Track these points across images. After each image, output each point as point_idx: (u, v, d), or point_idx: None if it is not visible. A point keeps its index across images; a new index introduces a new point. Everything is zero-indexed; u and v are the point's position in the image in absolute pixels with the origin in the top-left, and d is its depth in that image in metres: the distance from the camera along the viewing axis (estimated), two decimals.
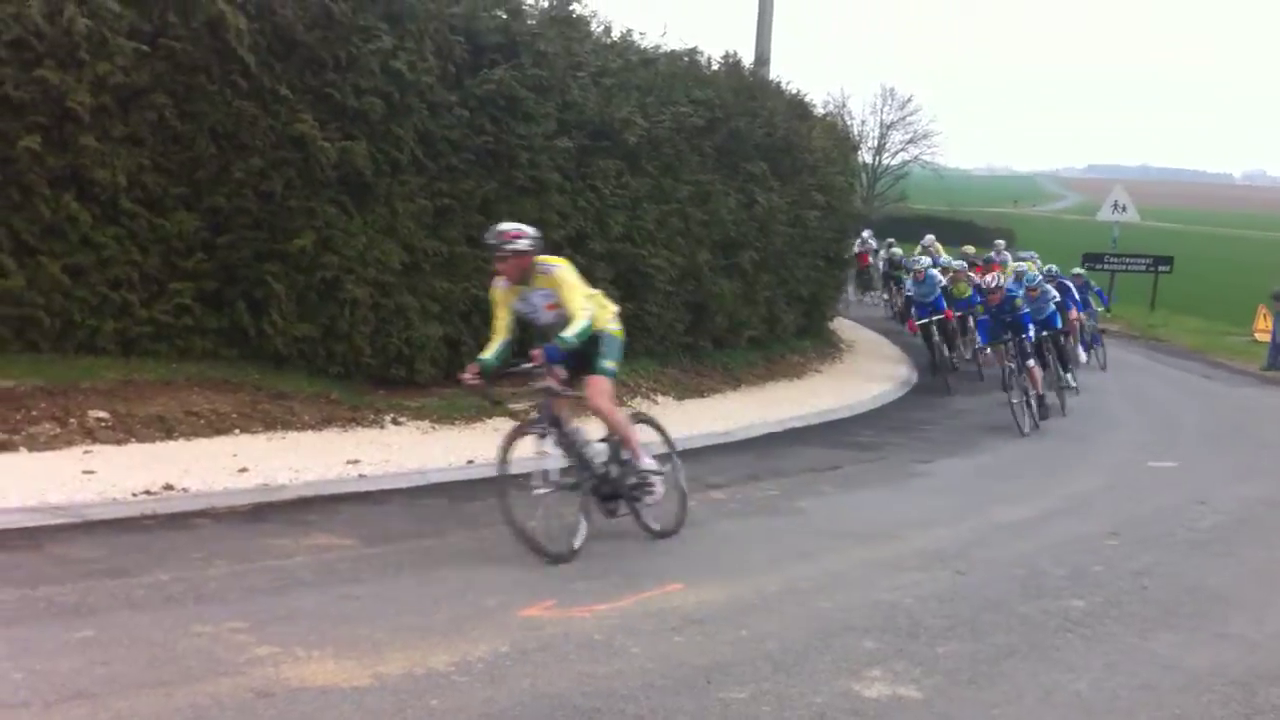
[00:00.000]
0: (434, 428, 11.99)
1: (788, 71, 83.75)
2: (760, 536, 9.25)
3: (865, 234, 31.22)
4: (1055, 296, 18.66)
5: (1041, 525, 10.28)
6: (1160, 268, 36.53)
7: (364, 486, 9.69)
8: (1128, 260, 36.32)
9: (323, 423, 11.38)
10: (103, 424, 9.83)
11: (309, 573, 7.32)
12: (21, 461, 9.01)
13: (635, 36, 16.79)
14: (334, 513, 8.81)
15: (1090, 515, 10.72)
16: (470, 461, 10.77)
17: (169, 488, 8.78)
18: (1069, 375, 18.81)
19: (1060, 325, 18.32)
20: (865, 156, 45.98)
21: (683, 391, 15.72)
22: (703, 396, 15.96)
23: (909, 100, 63.16)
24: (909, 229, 41.38)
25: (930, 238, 28.08)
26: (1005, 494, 11.74)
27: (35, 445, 9.35)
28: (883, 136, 60.36)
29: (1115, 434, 16.18)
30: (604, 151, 15.00)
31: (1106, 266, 34.80)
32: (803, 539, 9.27)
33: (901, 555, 8.84)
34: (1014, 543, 9.52)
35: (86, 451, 9.38)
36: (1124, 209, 36.19)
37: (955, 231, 48.05)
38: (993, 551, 9.15)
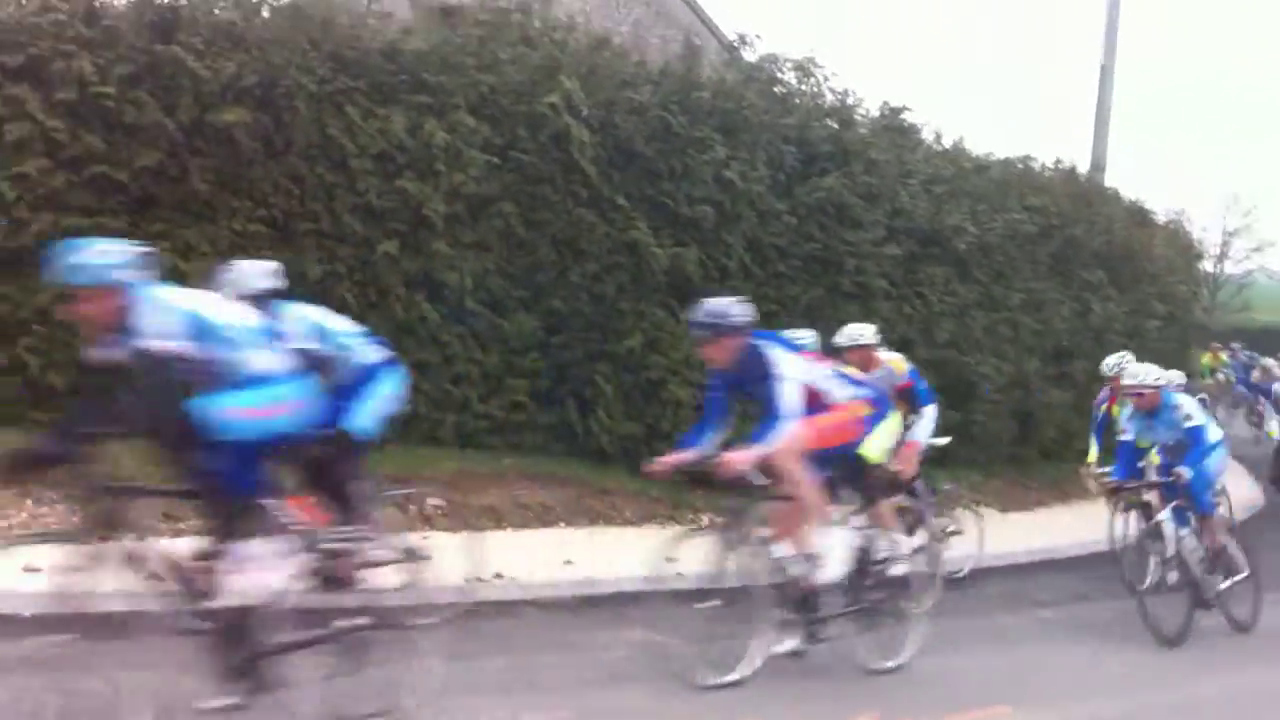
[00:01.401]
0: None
1: (1125, 178, 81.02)
2: (1093, 660, 8.85)
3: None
4: None
5: None
6: None
7: (678, 585, 9.80)
8: None
9: (643, 519, 11.66)
10: (439, 511, 10.38)
11: (629, 665, 7.49)
12: None
13: (968, 144, 16.70)
14: (650, 608, 8.95)
15: None
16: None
17: (499, 576, 9.16)
18: None
19: None
20: (1207, 265, 43.65)
21: (1007, 503, 15.27)
22: (1028, 510, 15.45)
23: (1254, 207, 59.83)
24: (1253, 341, 38.98)
25: None
26: None
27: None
28: (1225, 244, 57.35)
29: None
30: (933, 258, 14.92)
31: None
32: (1139, 665, 8.81)
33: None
34: None
35: (424, 537, 9.90)
36: None
37: None
38: None
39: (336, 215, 10.93)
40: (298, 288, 10.76)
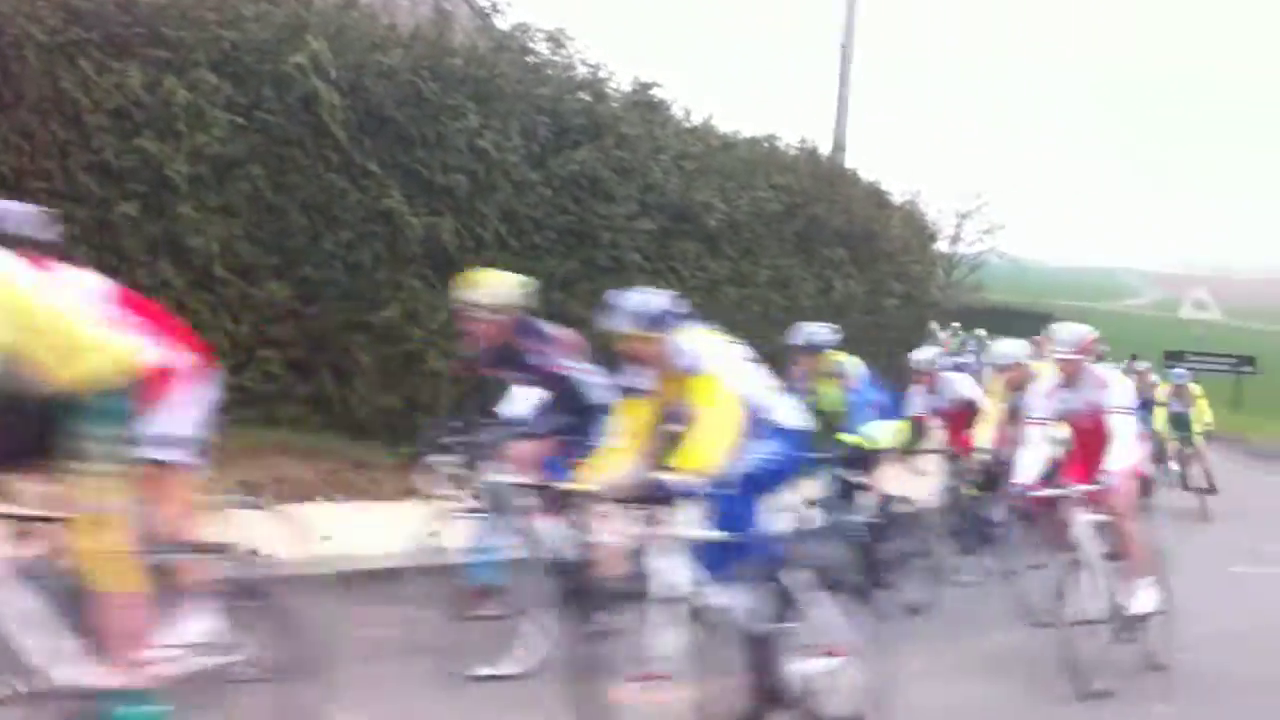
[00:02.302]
0: None
1: (865, 160, 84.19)
2: None
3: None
4: None
5: None
6: (1243, 368, 35.96)
7: (445, 560, 9.66)
8: (1210, 360, 35.77)
9: (404, 495, 11.44)
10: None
11: (388, 644, 7.32)
12: None
13: (716, 122, 17.00)
14: (416, 584, 8.79)
15: None
16: None
17: (254, 553, 8.83)
18: None
19: None
20: (942, 246, 45.74)
21: None
22: None
23: (985, 190, 63.17)
24: (986, 320, 40.99)
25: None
26: None
27: None
28: (958, 226, 60.27)
29: None
30: (684, 234, 15.14)
31: (1189, 365, 34.27)
32: None
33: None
34: None
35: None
36: (1206, 307, 35.76)
37: (1035, 325, 47.64)
38: None
39: (70, 174, 10.34)
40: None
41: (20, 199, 9.93)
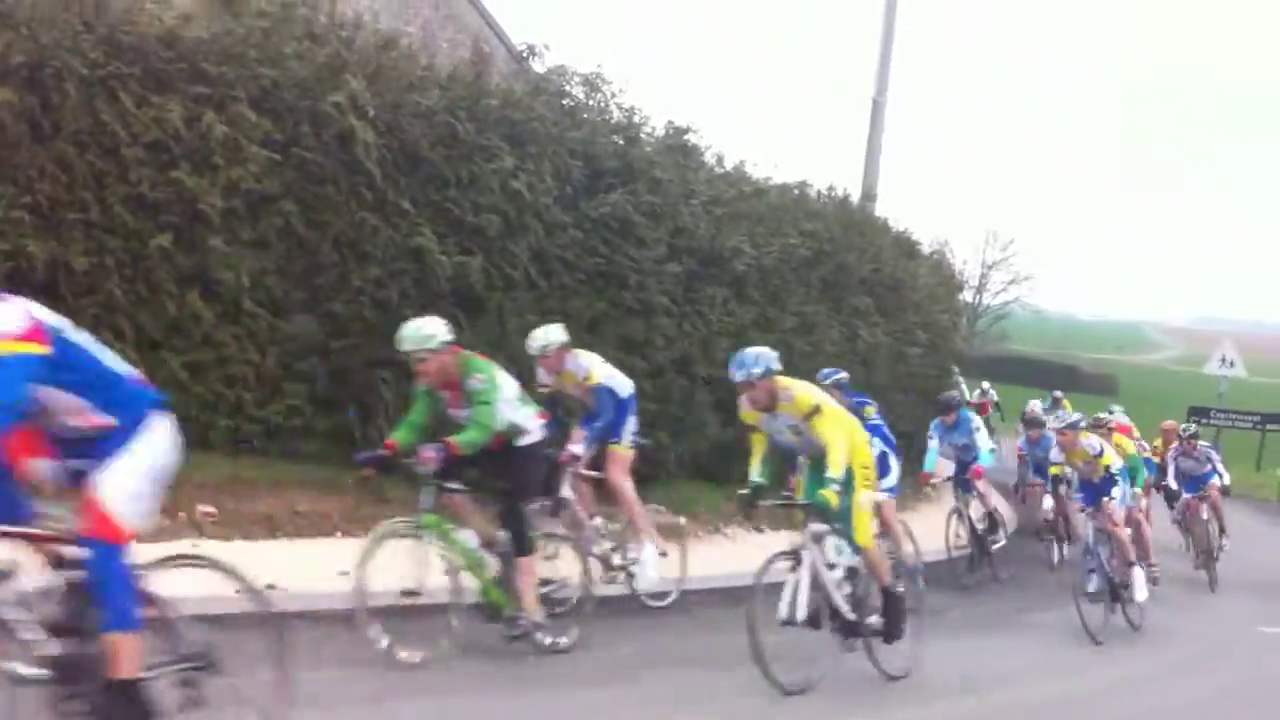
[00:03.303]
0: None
1: (894, 209, 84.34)
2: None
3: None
4: None
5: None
6: (1269, 426, 35.73)
7: (465, 599, 9.66)
8: (1234, 416, 35.55)
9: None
10: (210, 519, 9.98)
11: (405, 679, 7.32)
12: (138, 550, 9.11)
13: (748, 168, 17.05)
14: (433, 621, 8.80)
15: None
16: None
17: (271, 586, 8.84)
18: None
19: None
20: (966, 296, 45.69)
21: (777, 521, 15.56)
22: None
23: (1011, 242, 63.08)
24: (1009, 370, 40.85)
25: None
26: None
27: (142, 537, 9.48)
28: (984, 276, 60.21)
29: None
30: (712, 278, 15.17)
31: (1213, 421, 34.08)
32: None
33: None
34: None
35: (194, 545, 9.51)
36: (1232, 364, 35.47)
37: (1058, 377, 47.50)
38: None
39: (106, 205, 10.44)
40: (64, 280, 10.37)
41: (55, 228, 10.16)
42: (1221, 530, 17.02)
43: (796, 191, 17.98)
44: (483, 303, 12.54)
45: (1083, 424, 13.79)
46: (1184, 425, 18.78)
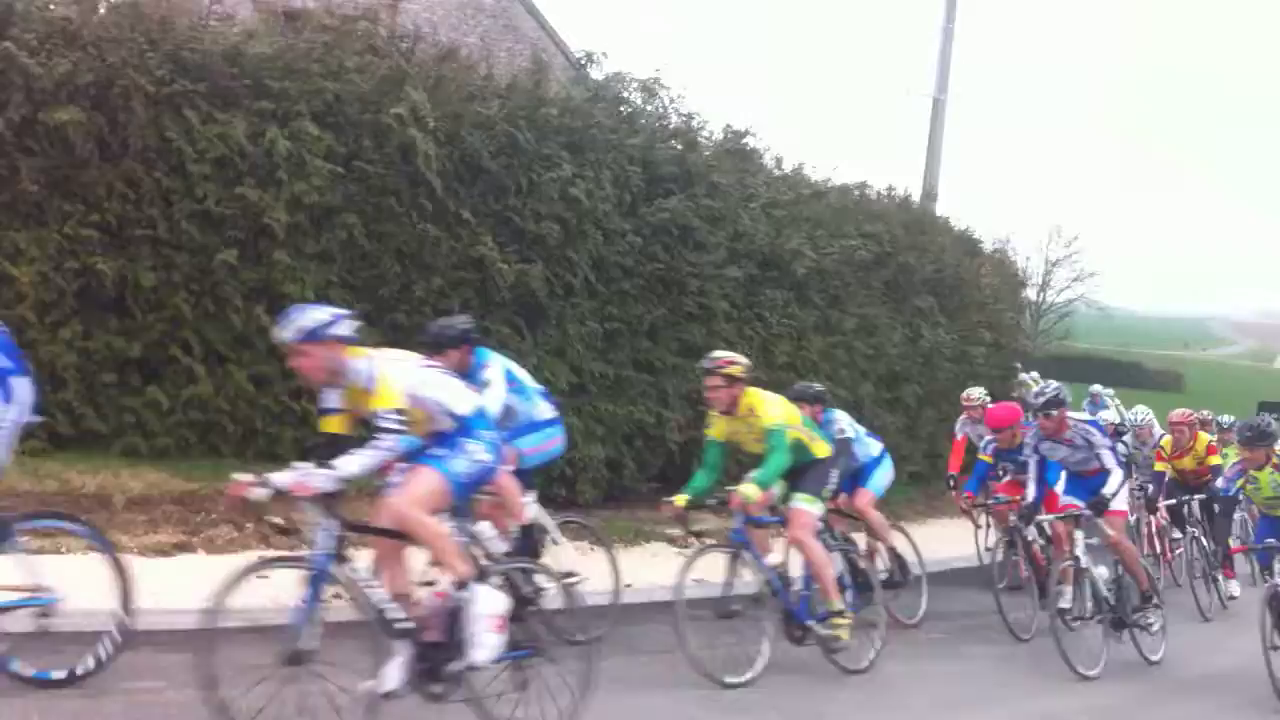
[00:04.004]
0: (591, 549, 12.01)
1: (955, 207, 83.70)
2: (927, 683, 9.02)
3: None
4: None
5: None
6: None
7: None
8: None
9: None
10: (277, 530, 10.09)
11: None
12: (199, 563, 9.26)
13: (807, 170, 17.01)
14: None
15: None
16: (628, 585, 10.74)
17: (337, 596, 8.92)
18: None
19: None
20: (1030, 294, 45.15)
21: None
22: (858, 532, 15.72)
23: (1075, 238, 62.29)
24: (1073, 369, 40.35)
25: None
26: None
27: (212, 548, 9.63)
28: (1048, 274, 59.51)
29: None
30: (772, 281, 15.14)
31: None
32: (970, 688, 9.01)
33: (1072, 712, 8.54)
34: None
35: (261, 557, 9.62)
36: None
37: (1124, 374, 47.05)
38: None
39: (173, 221, 10.62)
40: (132, 296, 10.54)
41: (124, 245, 10.32)
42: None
43: (857, 193, 17.92)
44: (544, 310, 12.60)
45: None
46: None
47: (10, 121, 9.79)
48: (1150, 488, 13.51)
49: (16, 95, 9.81)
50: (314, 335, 6.11)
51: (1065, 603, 9.60)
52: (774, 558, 8.71)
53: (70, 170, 10.14)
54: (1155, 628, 10.08)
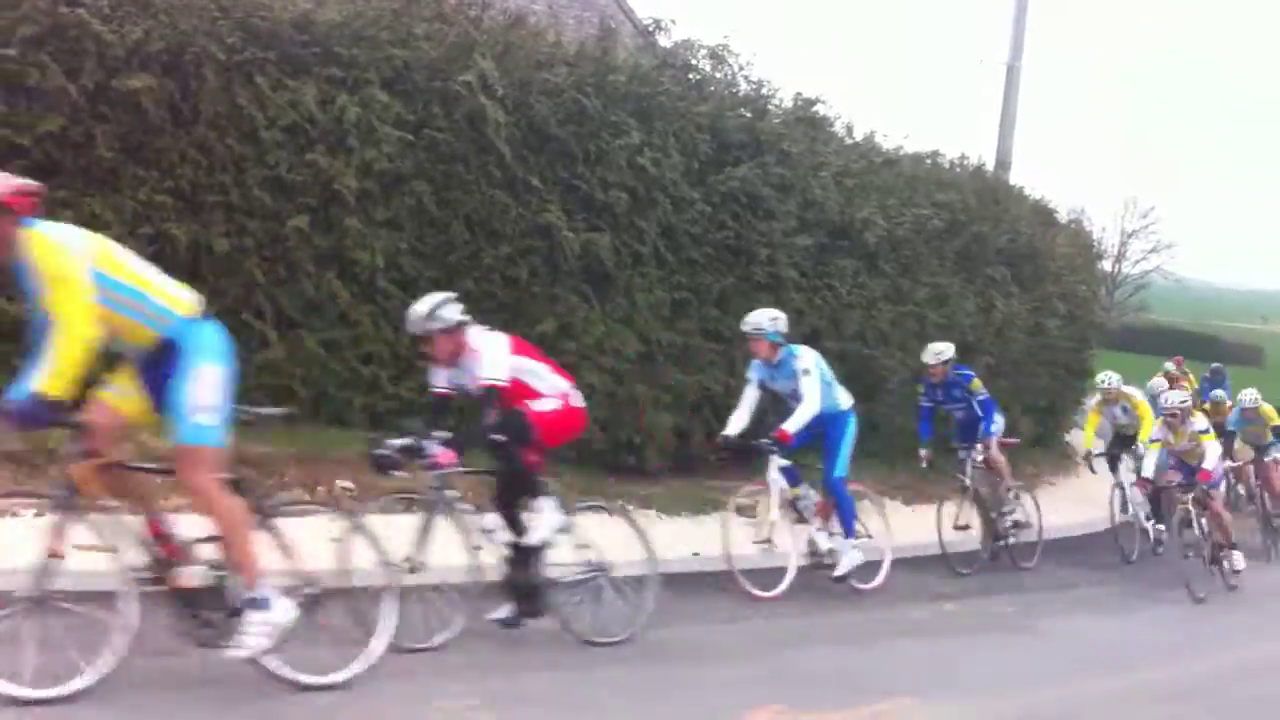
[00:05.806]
0: (660, 517, 12.02)
1: (1030, 176, 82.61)
2: (995, 654, 8.94)
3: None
4: None
5: None
6: None
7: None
8: None
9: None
10: (348, 493, 10.18)
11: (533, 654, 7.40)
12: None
13: (878, 138, 16.80)
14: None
15: None
16: (696, 554, 10.74)
17: (408, 560, 8.98)
18: None
19: None
20: (1105, 265, 44.48)
21: (910, 496, 15.38)
22: (931, 503, 15.58)
23: (1151, 209, 61.32)
24: (1149, 341, 39.72)
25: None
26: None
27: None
28: (1123, 245, 58.65)
29: None
30: (843, 251, 15.00)
31: None
32: (1040, 661, 8.91)
33: (1147, 687, 8.41)
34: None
35: (332, 519, 9.69)
36: None
37: (1200, 347, 46.21)
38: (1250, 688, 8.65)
39: (245, 188, 10.69)
40: (205, 262, 10.64)
41: (197, 211, 10.42)
42: None
43: (929, 161, 17.69)
44: (612, 279, 12.58)
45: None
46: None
47: (84, 89, 9.88)
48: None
49: (89, 63, 9.89)
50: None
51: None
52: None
53: (144, 137, 10.23)
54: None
